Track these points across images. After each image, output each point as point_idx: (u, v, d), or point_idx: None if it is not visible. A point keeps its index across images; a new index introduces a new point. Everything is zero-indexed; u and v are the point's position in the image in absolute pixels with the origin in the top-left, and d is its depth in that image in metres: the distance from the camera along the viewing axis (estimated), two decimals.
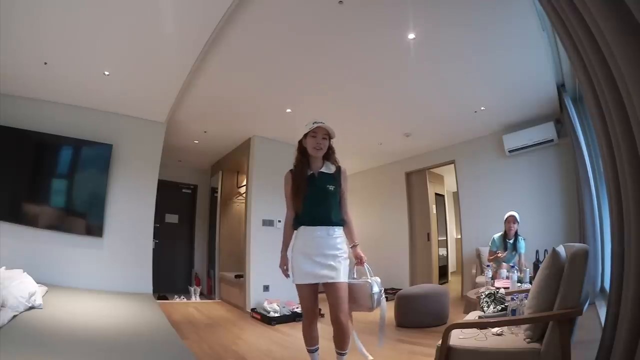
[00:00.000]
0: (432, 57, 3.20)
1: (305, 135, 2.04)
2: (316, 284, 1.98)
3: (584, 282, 1.45)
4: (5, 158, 3.67)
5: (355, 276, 2.10)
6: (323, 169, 2.05)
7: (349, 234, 2.09)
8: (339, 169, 2.09)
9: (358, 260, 2.08)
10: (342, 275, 1.94)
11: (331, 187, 2.00)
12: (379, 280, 2.05)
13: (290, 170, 2.08)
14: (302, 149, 2.08)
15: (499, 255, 3.75)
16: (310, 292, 2.00)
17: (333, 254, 1.94)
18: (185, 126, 4.94)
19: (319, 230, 1.95)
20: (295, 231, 2.07)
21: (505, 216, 3.80)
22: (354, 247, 2.10)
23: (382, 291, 2.05)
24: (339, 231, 2.00)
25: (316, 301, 2.04)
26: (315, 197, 1.98)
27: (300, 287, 1.99)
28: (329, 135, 2.04)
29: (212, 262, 6.43)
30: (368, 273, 2.08)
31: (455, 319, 2.93)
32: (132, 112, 4.41)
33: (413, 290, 3.99)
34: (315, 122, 1.99)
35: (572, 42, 1.22)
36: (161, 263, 5.13)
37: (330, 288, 1.93)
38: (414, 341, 3.11)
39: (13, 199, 3.76)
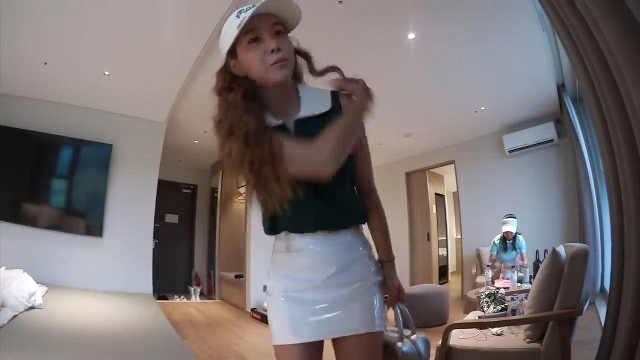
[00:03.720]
0: (432, 57, 3.20)
1: (234, 49, 0.88)
2: (319, 344, 0.91)
3: (584, 282, 1.45)
4: (5, 158, 3.67)
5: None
6: (304, 109, 0.92)
7: (379, 237, 1.01)
8: (335, 95, 0.94)
9: (391, 295, 1.03)
10: (377, 318, 0.91)
11: None
12: (423, 340, 1.09)
13: (219, 121, 0.90)
14: (232, 83, 0.91)
15: (499, 265, 3.72)
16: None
17: (354, 280, 0.90)
18: (185, 126, 4.94)
19: (319, 244, 0.89)
20: (274, 237, 0.99)
21: (503, 229, 3.77)
22: (385, 264, 1.02)
23: None
24: (358, 238, 0.94)
25: None
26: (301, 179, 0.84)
27: (283, 352, 0.88)
28: (283, 26, 0.90)
29: (212, 262, 6.43)
30: (401, 322, 1.05)
31: (455, 319, 2.93)
32: (132, 112, 4.40)
33: (413, 290, 3.99)
34: (248, 9, 0.82)
35: (572, 42, 1.22)
36: (161, 263, 5.12)
37: (349, 348, 0.88)
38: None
39: (13, 199, 3.76)
